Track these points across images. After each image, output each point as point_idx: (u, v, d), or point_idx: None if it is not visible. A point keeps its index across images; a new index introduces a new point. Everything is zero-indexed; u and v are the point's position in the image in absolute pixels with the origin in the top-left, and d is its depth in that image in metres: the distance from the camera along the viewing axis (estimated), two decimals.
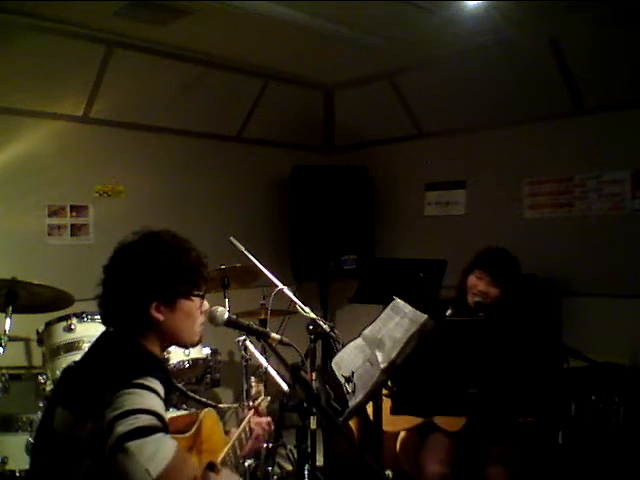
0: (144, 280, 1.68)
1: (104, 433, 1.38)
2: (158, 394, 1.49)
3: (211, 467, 1.73)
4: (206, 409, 1.88)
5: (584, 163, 4.01)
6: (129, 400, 1.42)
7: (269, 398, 2.32)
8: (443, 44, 4.00)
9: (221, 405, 2.85)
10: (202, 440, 1.77)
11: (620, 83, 3.74)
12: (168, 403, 1.65)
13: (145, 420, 1.39)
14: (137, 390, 1.44)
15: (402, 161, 5.04)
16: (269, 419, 2.17)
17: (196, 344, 1.86)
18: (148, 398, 1.45)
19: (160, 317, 1.69)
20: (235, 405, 2.91)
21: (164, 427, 1.43)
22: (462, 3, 3.37)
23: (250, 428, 2.10)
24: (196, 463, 1.69)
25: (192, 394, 2.98)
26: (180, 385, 3.01)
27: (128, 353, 1.63)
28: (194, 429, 1.74)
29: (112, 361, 1.58)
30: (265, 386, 2.36)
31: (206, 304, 1.84)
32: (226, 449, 1.89)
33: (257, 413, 2.17)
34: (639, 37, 3.48)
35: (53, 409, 1.60)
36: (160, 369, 1.60)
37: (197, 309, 1.79)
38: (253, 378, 2.30)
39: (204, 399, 2.94)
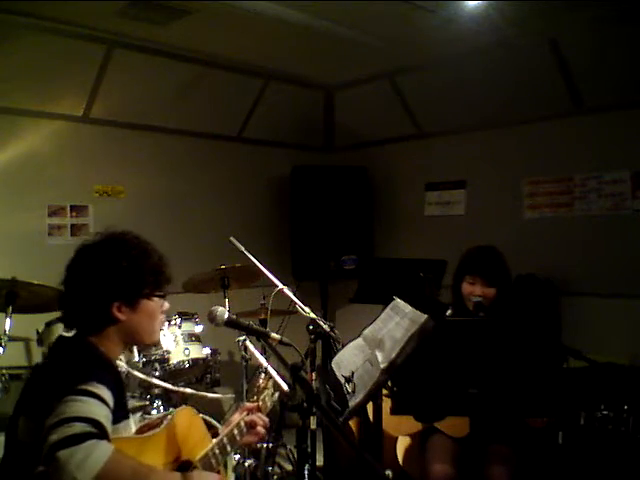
0: (106, 280, 1.69)
1: (42, 442, 1.37)
2: (102, 400, 1.48)
3: (184, 467, 1.70)
4: (181, 407, 1.85)
5: (584, 163, 4.01)
6: (68, 408, 1.41)
7: (277, 395, 2.27)
8: (443, 44, 4.00)
9: (216, 395, 2.81)
10: (179, 438, 1.74)
11: (620, 83, 3.74)
12: (122, 408, 1.63)
13: (77, 428, 1.38)
14: (80, 397, 1.44)
15: (402, 161, 5.04)
16: (267, 419, 2.10)
17: (156, 343, 1.87)
18: (89, 405, 1.44)
19: (122, 317, 1.71)
20: (229, 395, 2.87)
21: (100, 433, 1.41)
22: (462, 3, 3.36)
23: (247, 423, 2.03)
24: (161, 462, 1.65)
25: (175, 388, 2.95)
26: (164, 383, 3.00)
27: (77, 357, 1.63)
28: (162, 427, 1.71)
29: (60, 366, 1.58)
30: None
31: (166, 304, 1.86)
32: (210, 446, 1.84)
33: (259, 409, 2.11)
34: (639, 37, 3.48)
35: (17, 418, 1.59)
36: (109, 373, 1.60)
37: (158, 309, 1.81)
38: (263, 375, 2.25)
39: (192, 391, 2.91)
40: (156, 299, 1.79)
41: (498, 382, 2.13)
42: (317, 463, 2.24)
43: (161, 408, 3.07)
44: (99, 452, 1.37)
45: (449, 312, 2.81)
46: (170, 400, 3.23)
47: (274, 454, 3.31)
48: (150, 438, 1.68)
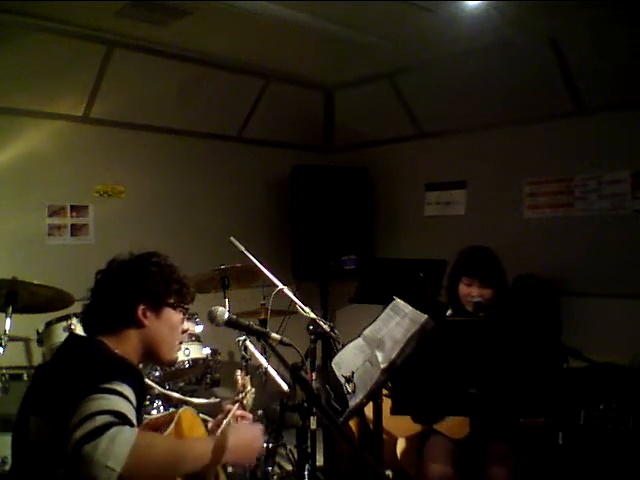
0: (134, 281, 1.76)
1: (66, 442, 1.36)
2: (126, 398, 1.47)
3: None
4: (183, 407, 1.87)
5: (584, 163, 4.01)
6: (92, 405, 1.40)
7: (253, 390, 2.28)
8: (443, 44, 4.00)
9: (202, 400, 2.81)
10: (184, 437, 1.76)
11: (620, 83, 3.74)
12: (143, 408, 1.64)
13: (99, 420, 1.36)
14: (104, 395, 1.43)
15: (402, 161, 5.04)
16: (251, 416, 2.11)
17: (173, 362, 1.91)
18: (113, 401, 1.43)
19: (145, 321, 1.75)
20: (216, 400, 2.86)
21: (122, 422, 1.39)
22: (462, 3, 3.36)
23: (236, 417, 2.04)
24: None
25: (169, 392, 2.96)
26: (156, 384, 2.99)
27: (98, 357, 1.63)
28: (172, 427, 1.72)
29: (81, 365, 1.57)
30: (250, 380, 2.29)
31: (187, 324, 1.92)
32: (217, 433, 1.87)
33: (242, 407, 2.12)
34: (639, 37, 3.48)
35: (27, 417, 1.57)
36: (131, 373, 1.59)
37: (180, 324, 1.86)
38: (239, 371, 2.26)
39: (181, 396, 2.93)
40: (179, 312, 1.85)
41: (498, 382, 2.13)
42: (317, 463, 2.24)
43: (161, 408, 3.06)
44: (123, 436, 1.34)
45: (449, 312, 2.81)
46: (170, 400, 3.23)
47: (274, 454, 3.31)
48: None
